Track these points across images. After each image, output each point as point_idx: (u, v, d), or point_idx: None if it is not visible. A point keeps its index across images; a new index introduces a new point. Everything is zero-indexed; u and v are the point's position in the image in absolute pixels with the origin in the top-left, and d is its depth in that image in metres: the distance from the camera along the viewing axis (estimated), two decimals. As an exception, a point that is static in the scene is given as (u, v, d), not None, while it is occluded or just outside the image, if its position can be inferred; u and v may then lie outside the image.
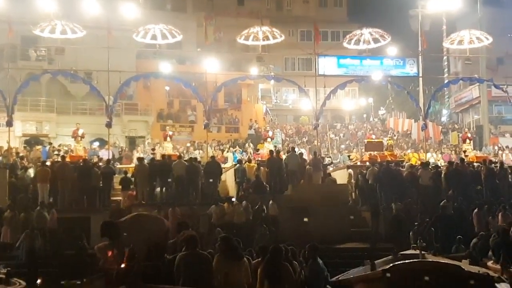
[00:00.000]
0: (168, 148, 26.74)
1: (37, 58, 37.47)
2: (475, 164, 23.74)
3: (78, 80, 30.03)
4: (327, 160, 26.72)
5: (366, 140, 30.35)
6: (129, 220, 9.36)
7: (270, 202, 20.06)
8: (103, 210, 19.34)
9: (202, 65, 32.43)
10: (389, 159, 25.36)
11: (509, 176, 22.41)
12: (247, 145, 33.45)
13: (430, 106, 33.02)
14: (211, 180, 21.88)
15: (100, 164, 22.91)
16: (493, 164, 23.42)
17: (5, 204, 19.48)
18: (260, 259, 9.38)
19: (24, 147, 31.97)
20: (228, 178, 24.10)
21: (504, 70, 38.38)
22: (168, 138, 27.53)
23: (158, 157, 24.18)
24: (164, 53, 30.17)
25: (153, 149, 27.97)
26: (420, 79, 38.67)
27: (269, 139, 27.31)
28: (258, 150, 30.03)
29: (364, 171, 22.95)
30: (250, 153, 29.93)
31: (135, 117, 38.94)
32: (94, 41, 29.09)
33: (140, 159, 22.57)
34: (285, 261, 8.99)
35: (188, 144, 33.22)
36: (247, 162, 24.33)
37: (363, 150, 28.86)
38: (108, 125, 25.47)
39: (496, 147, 34.88)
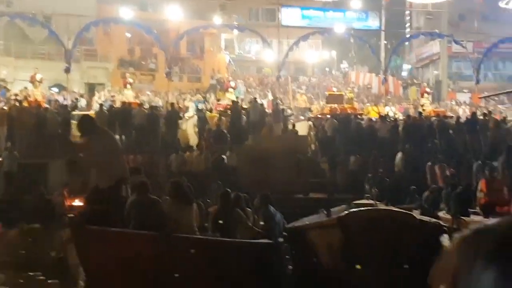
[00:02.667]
0: (128, 95, 26.48)
1: (-6, 1, 36.40)
2: (432, 118, 24.18)
3: (37, 24, 29.38)
4: (288, 112, 26.83)
5: (327, 93, 30.58)
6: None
7: (228, 153, 20.21)
8: (61, 156, 19.14)
9: (164, 12, 31.88)
10: (349, 111, 25.66)
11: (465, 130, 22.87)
12: (208, 95, 33.28)
13: (391, 60, 33.36)
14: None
15: (58, 109, 22.60)
16: (449, 119, 23.90)
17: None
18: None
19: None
20: (189, 128, 24.06)
21: (465, 26, 38.82)
22: (128, 86, 27.21)
23: (118, 104, 23.93)
24: (125, -2, 29.64)
25: (113, 96, 27.63)
26: (382, 33, 38.86)
27: (231, 89, 27.24)
28: (219, 100, 29.94)
29: (324, 123, 23.23)
30: (212, 103, 29.84)
31: (95, 63, 38.20)
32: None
33: (100, 106, 22.35)
34: (238, 207, 9.22)
35: (149, 93, 32.92)
36: (208, 112, 24.32)
37: (325, 102, 29.04)
38: (67, 70, 25.07)
39: (453, 102, 35.48)
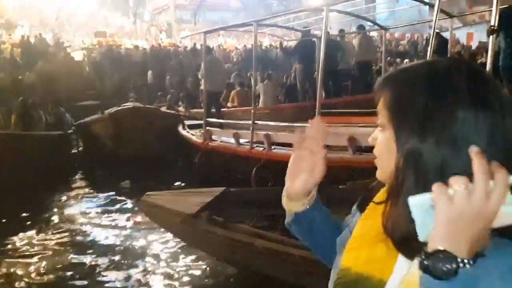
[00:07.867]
0: None
1: None
2: (168, 48, 24.09)
3: None
4: (66, 43, 24.20)
5: (95, 31, 28.50)
6: None
7: (27, 73, 17.77)
8: None
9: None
10: (111, 43, 24.30)
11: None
12: (0, 31, 27.92)
13: (138, 8, 31.58)
14: None
15: None
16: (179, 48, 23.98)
17: None
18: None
19: None
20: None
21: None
22: None
23: None
24: None
25: None
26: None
27: (19, 27, 23.40)
28: (10, 35, 25.43)
29: (94, 52, 21.72)
30: (4, 38, 25.20)
31: None
32: None
33: None
34: (33, 111, 8.40)
35: None
36: (2, 44, 20.74)
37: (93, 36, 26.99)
38: None
39: (181, 37, 35.21)
